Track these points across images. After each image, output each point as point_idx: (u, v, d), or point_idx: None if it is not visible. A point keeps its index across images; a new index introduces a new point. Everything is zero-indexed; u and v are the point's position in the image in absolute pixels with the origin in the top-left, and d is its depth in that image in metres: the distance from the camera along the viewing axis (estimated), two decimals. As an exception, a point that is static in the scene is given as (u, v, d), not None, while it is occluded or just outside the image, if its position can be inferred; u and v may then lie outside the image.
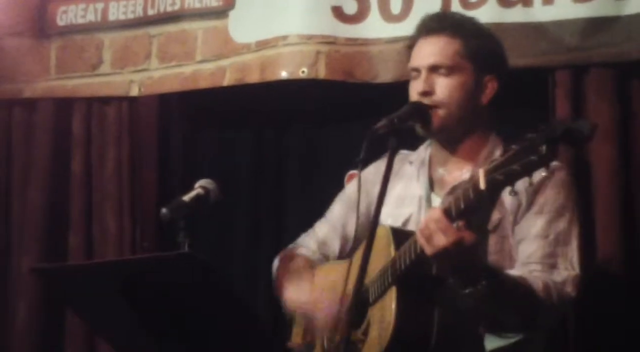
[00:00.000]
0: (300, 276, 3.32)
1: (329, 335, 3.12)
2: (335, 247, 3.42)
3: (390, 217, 3.19)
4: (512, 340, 3.04)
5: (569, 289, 3.01)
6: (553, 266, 3.02)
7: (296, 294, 3.27)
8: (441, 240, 2.73)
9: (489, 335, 3.03)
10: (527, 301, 2.92)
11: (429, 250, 2.76)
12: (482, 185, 2.62)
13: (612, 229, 3.65)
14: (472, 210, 2.74)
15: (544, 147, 2.53)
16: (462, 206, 2.72)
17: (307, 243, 3.48)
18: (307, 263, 3.38)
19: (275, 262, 3.46)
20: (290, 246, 3.51)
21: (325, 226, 3.47)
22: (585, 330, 3.67)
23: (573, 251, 3.06)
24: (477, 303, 2.85)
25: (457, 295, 2.86)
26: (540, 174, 2.57)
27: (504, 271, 2.96)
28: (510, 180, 2.59)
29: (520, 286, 2.93)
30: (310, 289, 3.24)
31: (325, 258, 3.42)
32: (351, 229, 3.33)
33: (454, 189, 3.05)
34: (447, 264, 2.80)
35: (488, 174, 2.61)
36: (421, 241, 2.78)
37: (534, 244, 3.05)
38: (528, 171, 2.56)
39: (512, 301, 2.89)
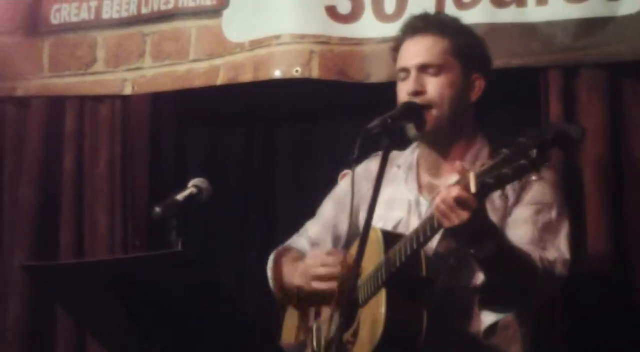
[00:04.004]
0: (297, 259, 3.34)
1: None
2: (327, 246, 3.40)
3: (381, 220, 3.17)
4: (507, 314, 3.06)
5: (560, 267, 3.00)
6: (543, 248, 3.02)
7: (296, 269, 3.28)
8: (463, 214, 2.70)
9: (483, 310, 3.04)
10: (525, 266, 2.91)
11: (447, 224, 2.75)
12: (472, 188, 2.62)
13: (603, 229, 3.65)
14: None
15: (534, 151, 2.53)
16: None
17: (300, 242, 3.47)
18: (303, 255, 3.38)
19: (271, 259, 3.45)
20: (283, 245, 3.51)
21: (316, 226, 3.47)
22: (574, 328, 3.68)
23: (562, 240, 3.06)
24: (486, 265, 2.87)
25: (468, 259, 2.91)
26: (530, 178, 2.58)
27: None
28: (501, 183, 2.59)
29: (520, 251, 2.93)
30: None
31: None
32: (342, 229, 3.34)
33: None
34: (465, 232, 2.79)
35: (479, 177, 2.61)
36: (440, 217, 2.76)
37: (524, 228, 3.05)
38: (519, 175, 2.56)
39: (515, 263, 2.88)
